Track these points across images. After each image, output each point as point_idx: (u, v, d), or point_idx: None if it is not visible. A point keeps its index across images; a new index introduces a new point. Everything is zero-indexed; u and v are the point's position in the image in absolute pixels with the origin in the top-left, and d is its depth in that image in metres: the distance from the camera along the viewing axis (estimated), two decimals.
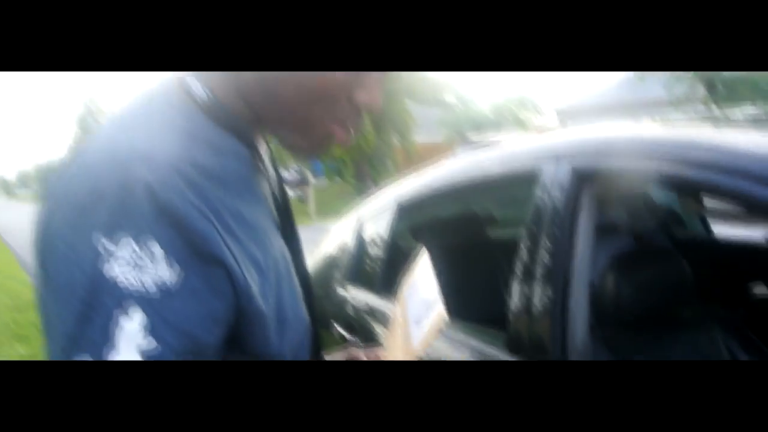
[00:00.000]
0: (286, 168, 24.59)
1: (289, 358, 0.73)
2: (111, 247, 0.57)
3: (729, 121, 1.69)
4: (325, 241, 2.66)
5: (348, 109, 0.73)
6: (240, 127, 0.72)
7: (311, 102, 0.71)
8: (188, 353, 0.60)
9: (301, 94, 0.70)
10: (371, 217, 2.34)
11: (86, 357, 0.57)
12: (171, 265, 0.58)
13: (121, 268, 0.57)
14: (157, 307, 0.58)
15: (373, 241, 2.28)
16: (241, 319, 0.65)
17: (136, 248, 0.58)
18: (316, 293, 2.33)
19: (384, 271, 2.10)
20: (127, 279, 0.57)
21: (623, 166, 1.32)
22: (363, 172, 20.15)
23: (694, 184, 1.20)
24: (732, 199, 1.14)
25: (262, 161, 0.77)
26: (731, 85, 17.79)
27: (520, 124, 23.84)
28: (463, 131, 23.77)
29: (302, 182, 19.12)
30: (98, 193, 0.59)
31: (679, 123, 1.63)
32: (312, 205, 17.27)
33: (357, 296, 2.19)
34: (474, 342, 1.56)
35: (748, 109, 1.96)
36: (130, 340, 0.57)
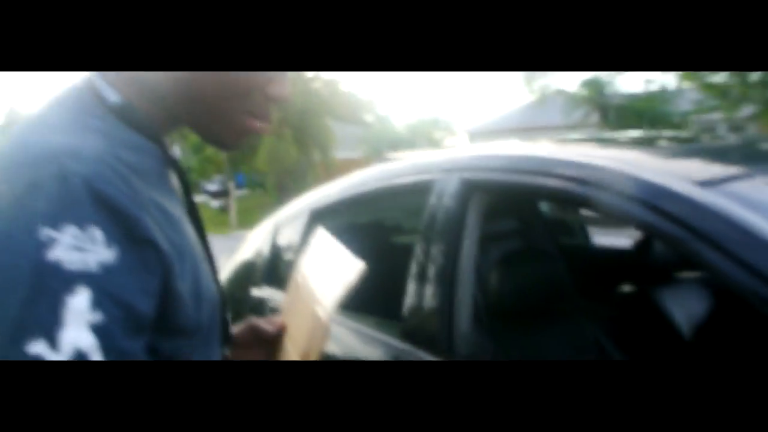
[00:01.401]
0: (209, 179, 24.12)
1: (205, 330, 0.77)
2: (53, 234, 0.60)
3: (614, 143, 1.84)
4: (243, 246, 2.69)
5: (262, 103, 0.78)
6: (149, 127, 0.75)
7: (229, 97, 0.75)
8: (130, 323, 0.63)
9: (220, 90, 0.75)
10: (286, 223, 2.39)
11: (36, 340, 0.59)
12: (110, 246, 0.62)
13: (64, 253, 0.59)
14: (101, 283, 0.61)
15: (286, 245, 2.33)
16: (166, 295, 0.68)
17: (78, 233, 0.60)
18: (235, 294, 2.34)
19: None
20: (71, 261, 0.60)
21: (508, 179, 1.44)
22: (284, 184, 20.03)
23: (569, 196, 1.32)
24: (601, 211, 1.26)
25: (170, 158, 0.80)
26: (620, 112, 18.78)
27: (434, 143, 24.29)
28: (381, 148, 24.04)
29: (224, 193, 18.79)
30: (35, 185, 0.61)
31: (567, 142, 1.77)
32: (233, 215, 17.01)
33: (272, 296, 2.23)
34: (375, 333, 1.64)
35: (633, 133, 2.12)
36: (79, 316, 0.60)
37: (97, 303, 0.61)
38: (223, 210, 19.77)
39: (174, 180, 0.81)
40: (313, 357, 0.88)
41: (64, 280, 0.59)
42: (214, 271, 0.85)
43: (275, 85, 0.79)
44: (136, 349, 0.65)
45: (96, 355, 0.61)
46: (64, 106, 0.73)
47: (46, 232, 0.60)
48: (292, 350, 0.97)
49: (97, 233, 0.61)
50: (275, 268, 2.34)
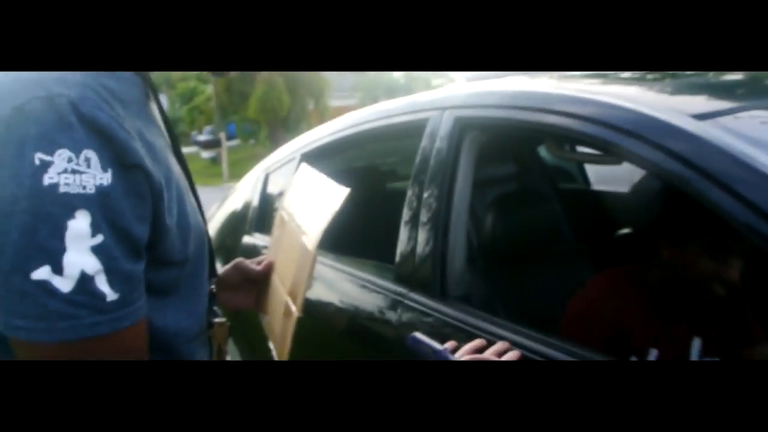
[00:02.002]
0: (200, 131, 23.94)
1: (193, 262, 0.79)
2: (47, 158, 0.60)
3: (617, 79, 1.81)
4: (233, 194, 2.69)
5: None
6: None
7: None
8: (129, 246, 0.65)
9: None
10: (276, 169, 2.38)
11: (40, 266, 0.60)
12: (105, 169, 0.63)
13: (60, 176, 0.61)
14: (99, 206, 0.62)
15: (277, 191, 2.33)
16: (155, 224, 0.70)
17: (73, 156, 0.61)
18: (226, 242, 2.34)
19: None
20: (68, 185, 0.61)
21: (505, 116, 1.42)
22: (277, 134, 19.91)
23: (569, 134, 1.30)
24: (599, 148, 1.25)
25: (153, 90, 0.81)
26: None
27: (431, 89, 24.03)
28: (377, 96, 23.79)
29: (215, 144, 18.68)
30: (22, 110, 0.62)
31: (566, 78, 1.74)
32: (225, 167, 16.95)
33: (264, 242, 2.24)
34: (370, 277, 1.65)
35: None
36: (80, 239, 0.62)
37: (97, 226, 0.62)
38: (215, 161, 19.69)
39: (155, 112, 0.82)
40: (302, 288, 0.89)
41: (63, 203, 0.61)
42: (199, 204, 0.86)
43: None
44: (138, 272, 0.67)
45: (101, 277, 0.63)
46: None
47: (39, 155, 0.60)
48: (281, 286, 0.98)
49: (92, 156, 0.62)
50: (266, 216, 2.34)
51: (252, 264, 1.07)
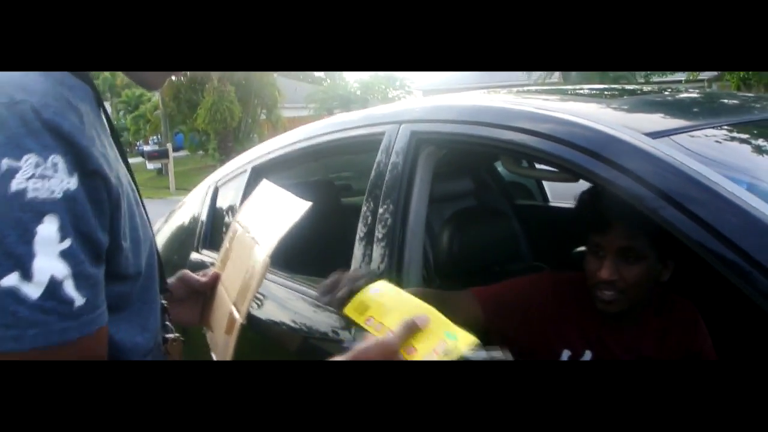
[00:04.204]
0: (146, 140, 23.58)
1: (144, 276, 0.80)
2: (15, 163, 0.61)
3: (574, 95, 1.86)
4: (180, 207, 2.66)
5: None
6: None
7: None
8: (93, 252, 0.66)
9: None
10: (226, 183, 2.37)
11: (9, 273, 0.61)
12: (71, 174, 0.64)
13: (29, 181, 0.61)
14: (66, 210, 0.63)
15: (227, 206, 2.31)
16: (110, 233, 0.70)
17: (41, 160, 0.62)
18: (172, 259, 2.31)
19: None
20: (36, 190, 0.62)
21: (462, 131, 1.44)
22: (227, 145, 19.73)
23: (525, 150, 1.33)
24: (556, 165, 1.28)
25: (99, 99, 0.82)
26: (583, 72, 19.04)
27: (388, 101, 24.18)
28: (331, 107, 23.86)
29: (162, 155, 18.41)
30: None
31: (525, 93, 1.78)
32: (172, 178, 16.72)
33: (213, 259, 2.22)
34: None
35: (594, 86, 2.16)
36: (48, 244, 0.62)
37: (65, 230, 0.63)
38: (161, 173, 19.39)
39: (104, 122, 0.82)
40: (249, 296, 0.90)
41: (31, 209, 0.62)
42: (147, 216, 0.87)
43: None
44: (101, 276, 0.68)
45: (68, 282, 0.64)
46: None
47: (6, 161, 0.61)
48: (226, 296, 0.99)
49: (59, 161, 0.63)
50: (215, 231, 2.32)
51: (197, 276, 1.07)
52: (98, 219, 0.67)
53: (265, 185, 1.08)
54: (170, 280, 1.06)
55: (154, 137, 22.93)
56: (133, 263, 0.76)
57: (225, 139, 19.81)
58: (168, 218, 2.68)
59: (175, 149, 20.30)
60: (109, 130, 0.84)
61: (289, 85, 24.43)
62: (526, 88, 1.63)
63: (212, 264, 2.16)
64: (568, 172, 1.24)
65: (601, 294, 1.30)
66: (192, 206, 2.53)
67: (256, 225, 1.03)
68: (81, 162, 0.65)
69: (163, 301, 0.95)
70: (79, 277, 0.64)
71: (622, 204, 1.08)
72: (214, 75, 18.64)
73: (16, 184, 0.61)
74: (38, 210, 0.62)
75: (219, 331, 1.00)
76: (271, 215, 1.00)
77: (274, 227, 0.94)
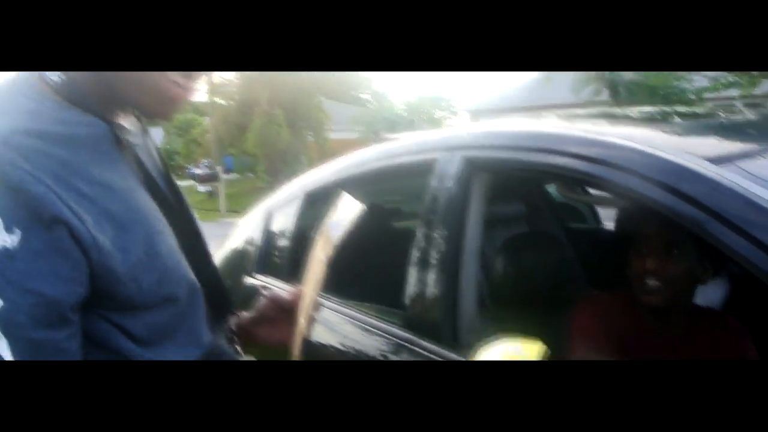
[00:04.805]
0: (196, 164, 24.08)
1: (182, 301, 0.79)
2: None
3: (625, 119, 1.85)
4: (234, 232, 2.70)
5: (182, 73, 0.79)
6: (91, 102, 0.77)
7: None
8: (43, 310, 0.65)
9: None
10: (279, 208, 2.41)
11: None
12: (10, 230, 0.63)
13: None
14: (1, 270, 0.63)
15: (280, 230, 2.35)
16: (95, 271, 0.70)
17: None
18: (226, 284, 2.36)
19: (292, 259, 2.16)
20: None
21: (515, 157, 1.45)
22: (275, 167, 20.01)
23: (578, 175, 1.33)
24: (610, 190, 1.27)
25: (126, 133, 0.82)
26: (631, 88, 18.73)
27: (434, 122, 24.24)
28: (377, 129, 24.00)
29: (212, 177, 18.76)
30: None
31: (575, 118, 1.78)
32: (222, 201, 17.01)
33: (265, 284, 2.25)
34: (375, 322, 1.66)
35: (645, 109, 2.13)
36: None
37: None
38: (211, 195, 19.76)
39: (129, 153, 0.83)
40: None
41: None
42: (196, 243, 0.88)
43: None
44: (55, 338, 0.66)
45: (2, 344, 0.62)
46: (4, 91, 0.76)
47: None
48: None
49: None
50: (269, 256, 2.35)
51: (284, 294, 1.08)
52: (54, 272, 0.66)
53: (346, 205, 1.10)
54: (260, 301, 1.07)
55: (205, 161, 23.40)
56: (154, 291, 0.76)
57: (273, 162, 20.10)
58: (222, 243, 2.74)
59: (225, 172, 20.66)
60: (148, 156, 0.85)
61: (336, 108, 24.70)
62: (576, 112, 1.62)
63: (265, 288, 2.20)
64: (623, 198, 1.23)
65: (646, 285, 1.37)
66: (246, 231, 2.58)
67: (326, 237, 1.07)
68: (32, 211, 0.65)
69: (231, 325, 0.96)
70: (17, 341, 0.63)
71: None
72: (263, 98, 18.98)
73: None
74: None
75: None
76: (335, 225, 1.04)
77: (334, 233, 0.99)
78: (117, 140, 0.80)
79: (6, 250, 0.63)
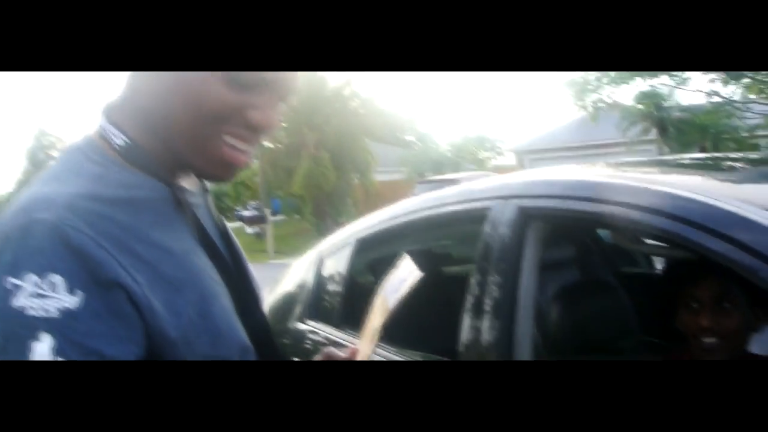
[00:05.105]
0: (245, 206, 24.50)
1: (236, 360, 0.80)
2: (17, 282, 0.66)
3: (676, 165, 1.84)
4: (285, 277, 2.74)
5: (241, 131, 0.80)
6: (154, 165, 0.80)
7: (204, 122, 0.77)
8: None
9: (194, 111, 0.77)
10: (331, 253, 2.44)
11: None
12: (72, 292, 0.67)
13: (27, 300, 0.65)
14: (62, 329, 0.65)
15: (332, 276, 2.38)
16: (151, 335, 0.72)
17: (38, 280, 0.66)
18: (276, 328, 2.38)
19: (343, 305, 2.19)
20: (33, 308, 0.65)
21: (569, 207, 1.46)
22: (322, 209, 20.22)
23: (632, 224, 1.33)
24: (666, 240, 1.27)
25: (186, 194, 0.84)
26: (681, 127, 18.41)
27: (479, 163, 24.24)
28: (423, 169, 24.15)
29: (260, 219, 19.03)
30: (5, 237, 0.69)
31: (627, 166, 1.78)
32: (270, 243, 17.22)
33: (316, 330, 2.27)
34: None
35: (697, 154, 2.12)
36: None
37: (60, 350, 0.65)
38: (259, 237, 20.02)
39: (189, 215, 0.84)
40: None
41: (28, 326, 0.65)
42: (250, 304, 0.88)
43: (257, 112, 0.79)
44: None
45: None
46: (70, 155, 0.80)
47: (10, 280, 0.66)
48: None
49: (58, 280, 0.66)
50: (319, 302, 2.38)
51: (340, 352, 1.09)
52: (113, 333, 0.68)
53: (407, 265, 1.12)
54: (316, 358, 1.09)
55: (253, 203, 23.80)
56: (208, 353, 0.77)
57: (320, 204, 20.31)
58: (274, 285, 2.78)
59: (273, 214, 20.96)
60: (205, 218, 0.87)
61: (382, 150, 24.94)
62: (627, 159, 1.63)
63: (312, 332, 2.22)
64: (680, 248, 1.23)
65: (704, 343, 1.34)
66: (297, 276, 2.61)
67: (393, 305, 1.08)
68: (93, 275, 0.68)
69: None
70: None
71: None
72: (310, 142, 19.29)
73: (16, 302, 0.65)
74: (33, 327, 0.65)
75: None
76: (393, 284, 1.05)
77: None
78: (177, 202, 0.82)
79: (69, 310, 0.66)
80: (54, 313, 0.65)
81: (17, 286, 0.66)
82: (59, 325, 0.65)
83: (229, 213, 25.80)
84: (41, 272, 0.66)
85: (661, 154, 18.88)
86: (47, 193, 0.72)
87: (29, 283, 0.66)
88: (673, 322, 1.76)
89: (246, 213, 22.92)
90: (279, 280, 2.77)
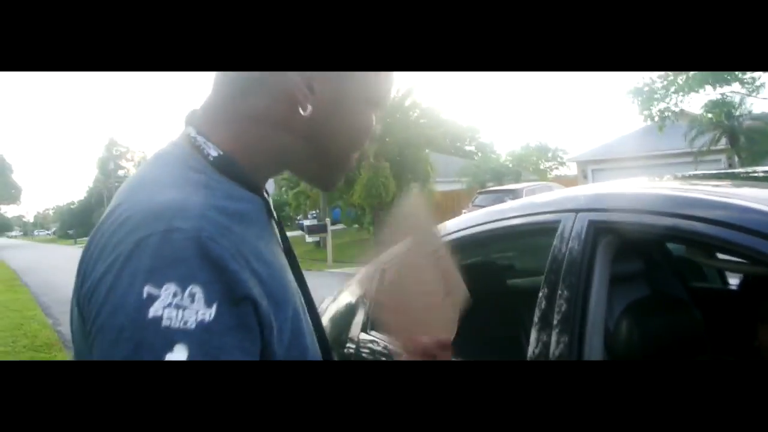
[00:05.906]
0: (305, 215, 24.80)
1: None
2: (155, 291, 0.65)
3: (747, 178, 1.80)
4: (347, 286, 2.77)
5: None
6: (247, 176, 0.80)
7: (353, 144, 0.82)
8: None
9: (347, 137, 0.82)
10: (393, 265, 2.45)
11: None
12: (209, 304, 0.66)
13: (165, 310, 0.64)
14: (198, 341, 0.65)
15: None
16: (262, 347, 0.71)
17: (178, 291, 0.65)
18: (338, 338, 2.40)
19: None
20: (170, 319, 0.64)
21: (639, 220, 1.44)
22: (382, 219, 20.27)
23: (705, 238, 1.30)
24: (740, 254, 1.24)
25: (270, 206, 0.85)
26: (752, 135, 17.81)
27: (540, 173, 23.93)
28: (483, 179, 24.01)
29: (321, 229, 19.22)
30: (142, 243, 0.67)
31: (696, 179, 1.74)
32: (330, 252, 17.37)
33: (378, 340, 2.29)
34: None
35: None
36: None
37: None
38: (318, 245, 20.23)
39: (275, 228, 0.86)
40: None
41: (163, 336, 0.64)
42: (316, 320, 0.87)
43: (377, 126, 0.85)
44: None
45: None
46: (166, 162, 0.80)
47: (148, 289, 0.65)
48: None
49: (197, 291, 0.65)
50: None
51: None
52: (241, 347, 0.67)
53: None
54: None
55: (313, 212, 24.06)
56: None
57: (380, 213, 20.38)
58: (336, 296, 2.80)
59: (332, 223, 21.15)
60: (280, 236, 0.86)
61: (442, 160, 24.92)
62: (696, 172, 1.59)
63: (373, 342, 2.23)
64: (757, 263, 1.20)
65: None
66: (358, 286, 2.63)
67: None
68: (228, 289, 0.67)
69: None
70: None
71: None
72: (371, 152, 19.41)
73: (153, 311, 0.64)
74: (169, 338, 0.63)
75: None
76: None
77: None
78: (270, 214, 0.83)
79: (204, 323, 0.65)
80: (192, 325, 0.64)
81: (154, 296, 0.65)
82: (196, 338, 0.64)
83: (289, 222, 26.16)
84: (182, 283, 0.65)
85: (731, 164, 18.29)
86: (179, 201, 0.70)
87: (168, 293, 0.64)
88: (748, 339, 1.71)
89: (307, 222, 23.18)
90: (339, 289, 2.79)
